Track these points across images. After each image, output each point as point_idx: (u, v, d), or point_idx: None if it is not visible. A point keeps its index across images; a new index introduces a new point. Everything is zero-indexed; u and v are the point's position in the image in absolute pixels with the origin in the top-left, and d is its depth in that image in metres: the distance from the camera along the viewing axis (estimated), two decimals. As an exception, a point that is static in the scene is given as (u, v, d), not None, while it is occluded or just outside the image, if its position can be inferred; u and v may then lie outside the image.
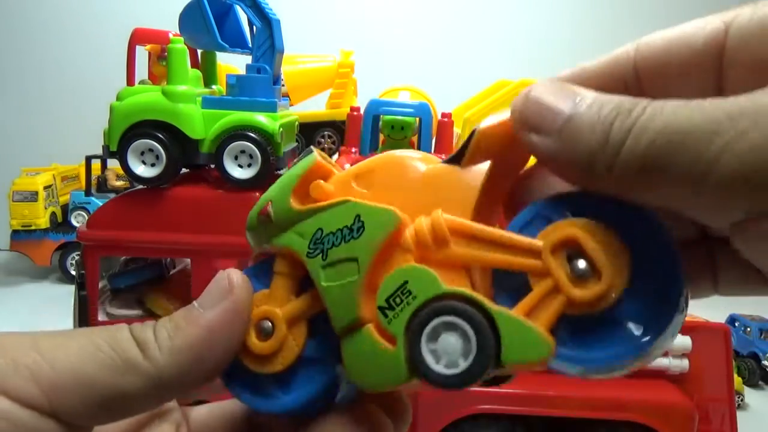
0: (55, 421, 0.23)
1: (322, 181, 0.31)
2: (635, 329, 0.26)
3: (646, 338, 0.26)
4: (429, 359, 0.27)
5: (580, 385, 1.13)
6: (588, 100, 0.25)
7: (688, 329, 1.16)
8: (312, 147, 0.33)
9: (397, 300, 0.29)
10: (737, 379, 1.63)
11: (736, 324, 1.90)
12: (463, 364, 0.27)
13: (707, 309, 1.95)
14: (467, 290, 0.27)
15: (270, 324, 0.31)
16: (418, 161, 0.31)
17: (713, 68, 0.27)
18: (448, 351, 0.27)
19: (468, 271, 0.29)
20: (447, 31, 2.98)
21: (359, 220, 0.30)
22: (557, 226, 0.27)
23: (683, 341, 1.14)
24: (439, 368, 0.27)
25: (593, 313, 0.26)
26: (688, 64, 0.27)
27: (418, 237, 0.29)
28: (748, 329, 1.87)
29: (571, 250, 0.26)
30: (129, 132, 1.14)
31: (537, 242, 0.27)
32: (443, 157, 0.32)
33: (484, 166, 0.30)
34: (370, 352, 0.29)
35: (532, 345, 0.26)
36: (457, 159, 0.30)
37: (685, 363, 1.14)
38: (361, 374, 0.29)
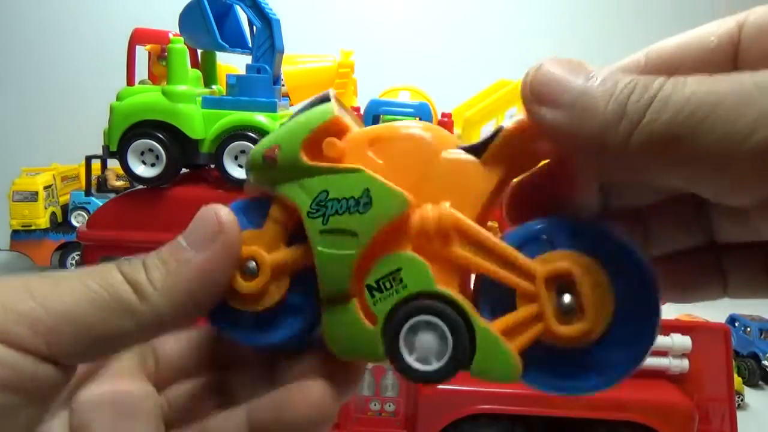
0: (53, 364, 0.24)
1: (336, 140, 0.30)
2: (609, 365, 0.27)
3: (619, 373, 0.27)
4: (404, 349, 0.28)
5: (580, 385, 1.13)
6: (602, 75, 0.25)
7: (688, 329, 1.16)
8: (330, 91, 0.32)
9: (387, 284, 0.29)
10: (737, 379, 1.63)
11: (736, 324, 1.90)
12: (434, 364, 0.28)
13: (707, 309, 1.95)
14: (459, 298, 0.28)
15: (255, 264, 0.30)
16: (438, 141, 0.30)
17: (728, 66, 0.26)
18: (423, 347, 0.28)
19: (460, 270, 0.29)
20: (447, 31, 2.98)
21: (368, 195, 0.29)
22: (557, 256, 0.27)
23: (683, 341, 1.14)
24: (410, 360, 0.28)
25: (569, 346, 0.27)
26: (702, 63, 0.27)
27: (423, 227, 0.29)
28: (748, 329, 1.87)
29: (562, 282, 0.27)
30: (129, 132, 1.15)
31: (535, 267, 0.27)
32: (460, 141, 0.31)
33: (500, 167, 0.30)
34: (351, 324, 0.29)
35: (502, 365, 0.27)
36: (477, 151, 0.30)
37: (685, 363, 1.14)
38: (338, 342, 0.29)
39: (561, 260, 0.27)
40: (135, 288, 0.26)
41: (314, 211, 0.30)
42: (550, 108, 0.25)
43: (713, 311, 1.86)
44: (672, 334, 1.15)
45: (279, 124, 1.17)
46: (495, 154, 0.29)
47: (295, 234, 0.31)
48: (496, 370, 0.27)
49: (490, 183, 0.29)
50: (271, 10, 1.22)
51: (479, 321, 0.27)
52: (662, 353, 1.14)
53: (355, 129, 0.31)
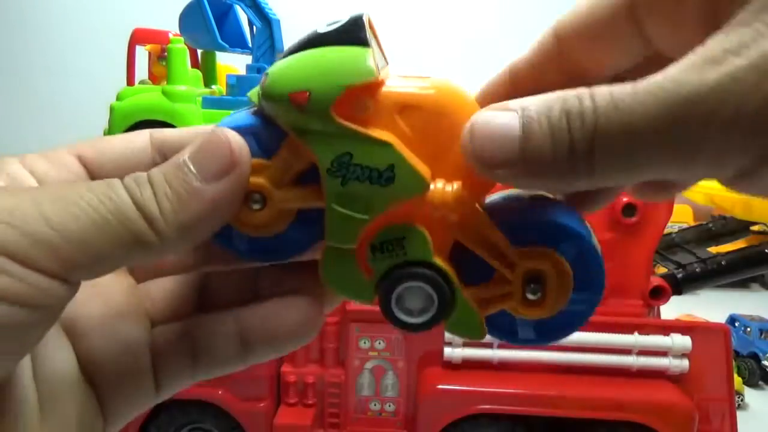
0: (64, 282, 0.25)
1: (370, 102, 0.30)
2: (561, 327, 0.33)
3: (570, 330, 0.33)
4: (393, 302, 0.32)
5: (581, 385, 1.13)
6: (531, 110, 0.25)
7: (688, 329, 1.16)
8: (364, 17, 0.30)
9: (389, 247, 0.31)
10: (737, 379, 1.63)
11: (736, 324, 1.90)
12: (415, 319, 0.32)
13: (707, 309, 1.95)
14: (450, 271, 0.31)
15: (260, 197, 0.31)
16: (465, 115, 0.29)
17: (628, 18, 0.28)
18: (410, 305, 0.32)
19: (451, 241, 0.32)
20: (447, 32, 2.98)
21: (392, 171, 0.30)
22: (535, 253, 0.31)
23: (683, 341, 1.14)
24: (396, 310, 0.32)
25: None
26: (604, 24, 0.29)
27: (434, 204, 0.30)
28: (748, 329, 1.87)
29: (534, 274, 0.31)
30: (129, 132, 1.15)
31: (517, 262, 0.31)
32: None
33: None
34: (349, 270, 0.32)
35: (472, 328, 0.32)
36: None
37: (685, 363, 1.14)
38: (332, 279, 0.32)
39: (538, 258, 0.31)
40: (149, 223, 0.27)
41: (335, 169, 0.30)
42: (504, 169, 0.26)
43: (713, 311, 1.86)
44: (672, 334, 1.15)
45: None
46: None
47: (303, 172, 0.31)
48: (466, 331, 0.32)
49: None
50: (271, 10, 1.23)
51: (461, 292, 0.31)
52: (662, 353, 1.14)
53: (386, 85, 0.31)
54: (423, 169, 0.30)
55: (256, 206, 0.31)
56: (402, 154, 0.30)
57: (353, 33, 0.30)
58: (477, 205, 0.31)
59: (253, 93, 0.33)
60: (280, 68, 0.30)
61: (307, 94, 0.29)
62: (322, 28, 0.33)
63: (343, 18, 0.32)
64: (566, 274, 0.31)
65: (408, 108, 0.30)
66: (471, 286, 0.32)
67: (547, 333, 0.33)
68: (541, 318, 0.32)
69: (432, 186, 0.30)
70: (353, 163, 0.30)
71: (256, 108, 0.33)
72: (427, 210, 0.31)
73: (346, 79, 0.29)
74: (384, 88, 0.31)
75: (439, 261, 0.31)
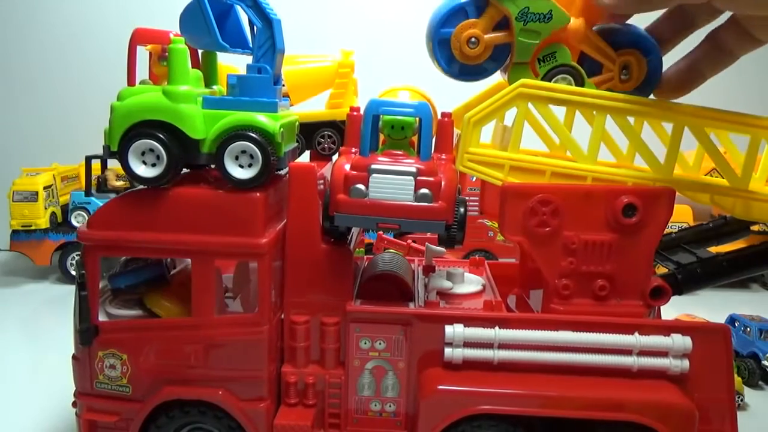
0: None
1: None
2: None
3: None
4: (550, 80, 1.21)
5: (581, 386, 1.13)
6: None
7: (688, 329, 1.16)
8: None
9: (547, 59, 1.19)
10: (737, 380, 1.63)
11: (736, 324, 1.90)
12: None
13: (707, 309, 1.95)
14: (581, 69, 1.21)
15: (476, 39, 1.14)
16: None
17: None
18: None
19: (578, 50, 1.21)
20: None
21: (550, 13, 1.14)
22: (626, 53, 1.23)
23: (684, 341, 1.14)
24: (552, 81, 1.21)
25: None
26: None
27: (571, 29, 1.16)
28: (748, 329, 1.87)
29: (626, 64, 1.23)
30: (130, 132, 1.14)
31: (615, 57, 1.22)
32: None
33: None
34: (527, 75, 1.19)
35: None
36: None
37: (685, 363, 1.14)
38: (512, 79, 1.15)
39: (627, 56, 1.21)
40: None
41: (519, 16, 1.13)
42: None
43: (713, 312, 1.86)
44: (672, 335, 1.15)
45: (279, 124, 1.17)
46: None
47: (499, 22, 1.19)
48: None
49: (603, 15, 1.20)
50: (271, 10, 1.22)
51: (588, 80, 1.19)
52: (662, 353, 1.14)
53: None
54: (565, 11, 1.13)
55: (473, 45, 1.17)
56: (554, 3, 1.13)
57: None
58: (593, 29, 1.15)
59: None
60: None
61: None
62: None
63: None
64: (644, 64, 1.17)
65: None
66: (591, 76, 1.19)
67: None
68: (632, 87, 1.20)
69: (570, 20, 1.09)
70: (530, 12, 1.14)
71: None
72: (567, 34, 1.14)
73: None
74: None
75: (575, 63, 1.18)
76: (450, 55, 1.25)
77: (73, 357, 1.23)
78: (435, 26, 1.24)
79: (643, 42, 1.24)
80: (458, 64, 1.26)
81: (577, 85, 1.21)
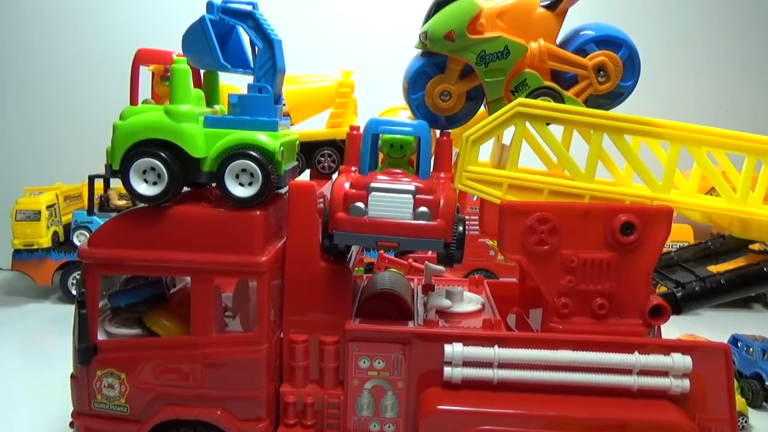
0: None
1: (483, 21, 1.21)
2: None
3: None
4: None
5: (581, 406, 1.12)
6: None
7: (688, 349, 1.15)
8: None
9: (520, 87, 1.27)
10: (741, 401, 1.61)
11: (739, 344, 1.89)
12: None
13: (709, 330, 1.93)
14: (557, 86, 1.27)
15: (447, 92, 1.26)
16: (532, 4, 1.21)
17: None
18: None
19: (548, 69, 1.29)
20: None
21: (506, 49, 1.23)
22: (597, 55, 1.27)
23: (684, 361, 1.13)
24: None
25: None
26: None
27: (534, 55, 1.25)
28: (751, 350, 1.85)
29: (601, 66, 1.28)
30: (132, 151, 1.16)
31: (586, 63, 1.25)
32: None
33: (562, 16, 1.29)
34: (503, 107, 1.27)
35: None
36: (553, 6, 1.27)
37: (686, 383, 1.13)
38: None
39: (597, 57, 1.26)
40: None
41: (479, 61, 1.24)
42: None
43: (715, 332, 1.85)
44: (672, 354, 1.14)
45: (279, 143, 1.18)
46: (562, 9, 1.28)
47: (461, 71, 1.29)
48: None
49: (559, 24, 1.28)
50: (273, 31, 1.24)
51: (566, 93, 1.26)
52: (663, 373, 1.14)
53: (486, 8, 1.20)
54: (521, 40, 1.23)
55: (446, 98, 1.28)
56: (508, 37, 1.23)
57: None
58: (554, 45, 1.26)
59: (418, 45, 1.28)
60: (431, 26, 1.23)
61: (452, 31, 1.21)
62: None
63: None
64: (618, 62, 1.25)
65: (501, 14, 1.24)
66: (569, 88, 1.27)
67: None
68: (611, 87, 1.26)
69: (528, 47, 1.23)
70: (487, 54, 1.23)
71: (421, 53, 1.31)
72: (531, 60, 1.24)
73: (469, 15, 1.21)
74: (485, 8, 1.21)
75: (548, 83, 1.26)
76: (429, 112, 1.32)
77: (72, 376, 1.22)
78: (407, 95, 1.33)
79: (608, 39, 1.27)
80: (442, 117, 1.33)
81: (557, 102, 1.24)
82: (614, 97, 1.29)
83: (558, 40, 1.29)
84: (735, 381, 1.26)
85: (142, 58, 1.40)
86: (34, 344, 2.25)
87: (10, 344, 2.22)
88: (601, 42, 1.27)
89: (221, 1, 1.23)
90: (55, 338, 2.27)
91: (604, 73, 1.26)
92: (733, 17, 3.26)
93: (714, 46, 3.26)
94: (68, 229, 2.76)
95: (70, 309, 1.22)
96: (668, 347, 1.15)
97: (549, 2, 1.28)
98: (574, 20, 1.34)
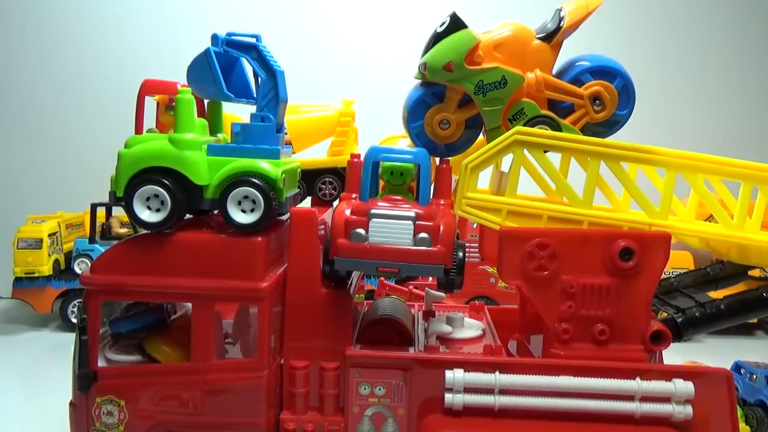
0: None
1: (480, 53, 1.26)
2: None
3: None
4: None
5: (584, 433, 1.12)
6: None
7: (690, 374, 1.15)
8: (456, 13, 1.19)
9: (517, 116, 1.30)
10: (745, 429, 1.59)
11: (742, 371, 1.88)
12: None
13: (712, 357, 1.93)
14: (553, 115, 1.30)
15: (447, 121, 1.31)
16: (527, 35, 1.28)
17: None
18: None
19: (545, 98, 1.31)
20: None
21: (504, 79, 1.27)
22: (592, 85, 1.29)
23: (686, 387, 1.12)
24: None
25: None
26: None
27: (531, 85, 1.28)
28: (754, 376, 1.84)
29: (596, 95, 1.31)
30: (136, 178, 1.17)
31: (582, 92, 1.28)
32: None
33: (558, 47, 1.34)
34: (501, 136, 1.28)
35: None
36: (549, 38, 1.31)
37: (688, 409, 1.13)
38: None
39: (593, 87, 1.29)
40: None
41: (477, 90, 1.27)
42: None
43: (718, 359, 1.84)
44: (674, 380, 1.13)
45: (281, 170, 1.20)
46: (557, 41, 1.31)
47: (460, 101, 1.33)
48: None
49: (555, 55, 1.32)
50: (275, 62, 1.27)
51: (563, 121, 1.29)
52: (665, 399, 1.13)
53: (485, 40, 1.26)
54: (518, 71, 1.27)
55: (445, 126, 1.31)
56: (505, 68, 1.26)
57: (458, 23, 1.26)
58: (550, 75, 1.29)
59: (417, 75, 1.32)
60: (431, 57, 1.27)
61: (451, 62, 1.26)
62: (439, 29, 1.28)
63: (446, 19, 1.27)
64: (613, 92, 1.28)
65: (498, 45, 1.28)
66: (565, 117, 1.29)
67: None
68: (607, 116, 1.29)
69: (525, 77, 1.27)
70: (485, 84, 1.26)
71: (420, 83, 1.34)
72: (528, 89, 1.27)
73: (467, 46, 1.26)
74: (483, 40, 1.27)
75: (545, 111, 1.29)
76: (429, 140, 1.34)
77: (71, 404, 1.21)
78: (407, 123, 1.36)
79: (603, 70, 1.31)
80: (442, 145, 1.35)
81: (553, 130, 1.26)
82: (610, 125, 1.31)
83: (554, 71, 1.32)
84: (739, 408, 1.25)
85: (148, 88, 1.42)
86: (32, 372, 2.24)
87: (9, 372, 2.21)
88: (596, 72, 1.30)
89: (225, 33, 1.26)
90: (54, 366, 2.25)
91: (600, 102, 1.29)
92: (730, 46, 3.32)
93: (710, 75, 3.32)
94: (69, 257, 2.77)
95: (70, 337, 1.22)
96: (670, 373, 1.15)
97: (545, 34, 1.31)
98: (569, 52, 1.37)
